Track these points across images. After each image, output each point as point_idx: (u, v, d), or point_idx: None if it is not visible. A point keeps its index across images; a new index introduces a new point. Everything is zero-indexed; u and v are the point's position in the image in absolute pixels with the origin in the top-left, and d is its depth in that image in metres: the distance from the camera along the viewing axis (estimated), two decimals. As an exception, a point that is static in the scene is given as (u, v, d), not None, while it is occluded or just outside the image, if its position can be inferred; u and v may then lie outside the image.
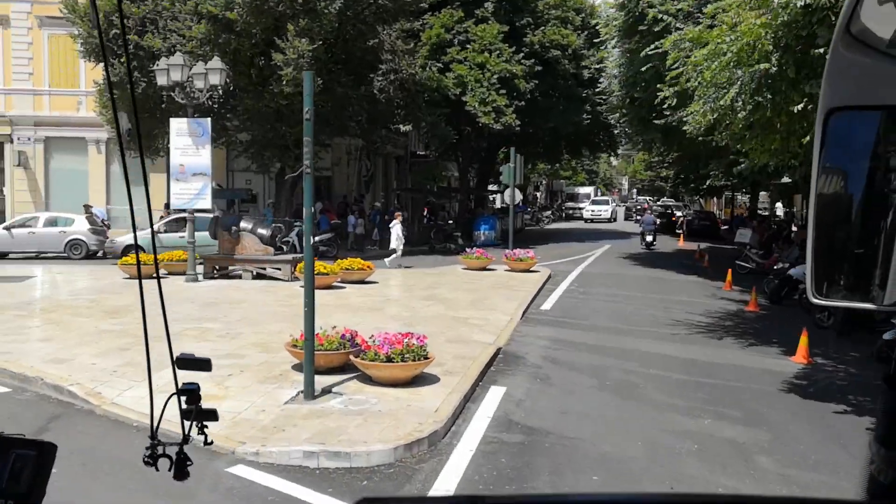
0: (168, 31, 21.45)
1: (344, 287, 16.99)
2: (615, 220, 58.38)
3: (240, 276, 18.49)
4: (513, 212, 25.60)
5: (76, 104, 28.48)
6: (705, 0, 15.91)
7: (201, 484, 5.93)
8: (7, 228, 23.10)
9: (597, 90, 33.35)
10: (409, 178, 40.07)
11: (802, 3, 8.80)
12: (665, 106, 16.56)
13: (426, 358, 8.50)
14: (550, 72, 30.03)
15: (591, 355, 11.05)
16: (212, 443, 1.96)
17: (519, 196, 28.21)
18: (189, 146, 17.28)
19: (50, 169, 28.88)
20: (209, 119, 18.00)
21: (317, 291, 8.50)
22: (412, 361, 8.33)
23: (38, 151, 28.63)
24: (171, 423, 1.88)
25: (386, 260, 21.22)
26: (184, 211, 18.20)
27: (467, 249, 22.45)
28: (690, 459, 6.76)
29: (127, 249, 20.62)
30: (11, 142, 28.47)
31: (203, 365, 1.93)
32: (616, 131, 36.37)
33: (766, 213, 40.07)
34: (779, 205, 42.48)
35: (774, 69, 9.90)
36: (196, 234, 17.69)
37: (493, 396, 8.56)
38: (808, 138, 9.75)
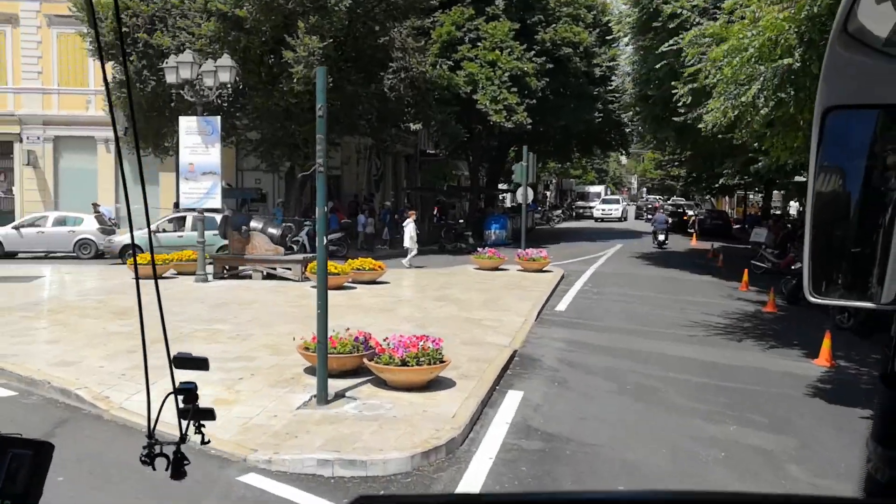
0: (177, 28, 21.30)
1: (355, 287, 16.79)
2: (626, 219, 57.96)
3: (250, 276, 18.32)
4: (525, 211, 25.33)
5: (85, 103, 28.37)
6: (722, -5, 15.62)
7: (212, 493, 5.74)
8: (16, 228, 23.01)
9: (608, 88, 33.10)
10: (419, 177, 39.89)
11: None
12: (680, 104, 16.29)
13: (442, 361, 8.26)
14: (562, 69, 29.75)
15: (609, 358, 10.81)
16: (209, 442, 1.93)
17: (530, 195, 27.95)
18: (198, 145, 17.11)
19: (59, 168, 28.77)
20: (219, 117, 17.81)
21: (328, 292, 8.29)
22: (427, 365, 8.08)
23: (48, 150, 28.53)
24: (171, 424, 1.89)
25: (404, 261, 21.04)
26: (183, 210, 18.00)
27: (479, 249, 22.15)
28: (718, 468, 6.52)
29: (125, 249, 20.48)
30: (21, 141, 28.39)
31: (200, 364, 1.92)
32: (628, 129, 36.12)
33: (780, 213, 39.71)
34: (793, 203, 42.09)
35: (798, 64, 9.68)
36: (193, 233, 17.43)
37: (511, 401, 8.32)
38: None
